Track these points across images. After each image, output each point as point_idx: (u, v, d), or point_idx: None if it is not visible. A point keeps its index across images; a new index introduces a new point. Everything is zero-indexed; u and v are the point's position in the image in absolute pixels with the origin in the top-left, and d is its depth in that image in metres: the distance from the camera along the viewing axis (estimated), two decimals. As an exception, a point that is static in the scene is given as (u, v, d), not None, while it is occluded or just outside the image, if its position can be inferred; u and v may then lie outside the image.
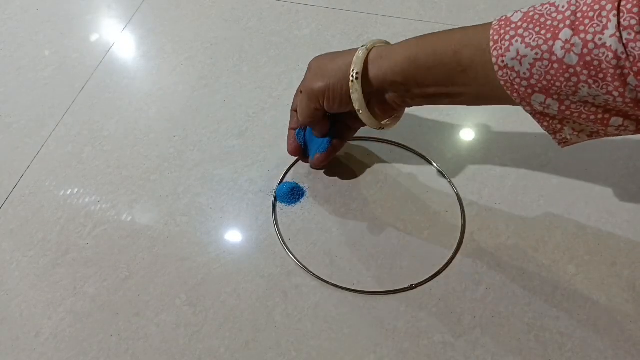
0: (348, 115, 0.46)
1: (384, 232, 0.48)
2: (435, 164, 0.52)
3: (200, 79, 0.61)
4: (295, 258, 0.46)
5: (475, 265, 0.46)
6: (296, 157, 0.53)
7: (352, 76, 0.41)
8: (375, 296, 0.44)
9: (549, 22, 0.32)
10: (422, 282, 0.45)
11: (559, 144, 0.38)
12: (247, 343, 0.42)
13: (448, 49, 0.37)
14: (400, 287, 0.45)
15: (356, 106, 0.42)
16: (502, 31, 0.34)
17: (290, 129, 0.51)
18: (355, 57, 0.41)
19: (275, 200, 0.50)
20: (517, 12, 0.35)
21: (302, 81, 0.46)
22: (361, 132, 0.56)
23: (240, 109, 0.58)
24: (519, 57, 0.33)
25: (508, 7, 0.68)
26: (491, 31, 0.35)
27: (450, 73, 0.37)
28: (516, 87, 0.34)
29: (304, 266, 0.46)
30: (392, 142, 0.54)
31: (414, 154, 0.53)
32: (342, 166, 0.53)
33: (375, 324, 0.43)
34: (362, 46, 0.42)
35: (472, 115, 0.56)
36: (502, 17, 0.36)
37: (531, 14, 0.34)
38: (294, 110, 0.49)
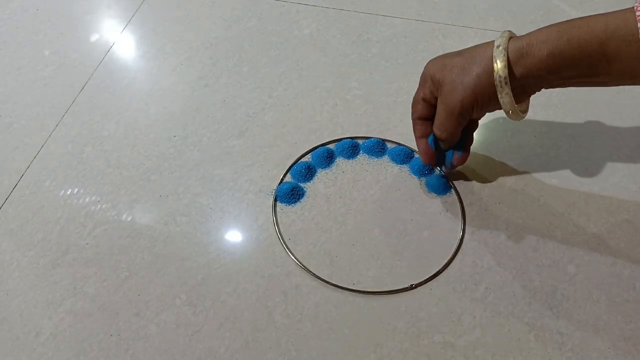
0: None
1: (384, 232, 0.48)
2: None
3: (200, 79, 0.61)
4: (295, 258, 0.46)
5: (475, 265, 0.46)
6: (294, 161, 0.53)
7: (500, 81, 0.40)
8: (375, 296, 0.44)
9: None
10: (422, 282, 0.45)
11: None
12: (247, 343, 0.42)
13: (593, 41, 0.37)
14: (400, 287, 0.45)
15: (507, 108, 0.42)
16: None
17: (418, 137, 0.48)
18: (494, 59, 0.40)
19: (275, 200, 0.50)
20: None
21: (419, 89, 0.46)
22: (360, 132, 0.56)
23: (240, 109, 0.58)
24: None
25: (508, 7, 0.68)
26: (639, 24, 0.35)
27: (595, 64, 0.38)
28: None
29: (304, 266, 0.46)
30: (392, 141, 0.54)
31: (414, 153, 0.53)
32: (342, 166, 0.53)
33: (375, 324, 0.43)
34: (497, 47, 0.40)
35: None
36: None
37: None
38: (416, 119, 0.48)
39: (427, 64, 0.45)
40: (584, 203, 0.50)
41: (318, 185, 0.51)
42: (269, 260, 0.46)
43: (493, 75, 0.40)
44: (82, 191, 0.51)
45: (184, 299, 0.44)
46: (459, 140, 0.47)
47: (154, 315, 0.43)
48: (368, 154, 0.53)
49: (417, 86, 0.47)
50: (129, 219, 0.49)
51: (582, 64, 0.38)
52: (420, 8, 0.69)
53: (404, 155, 0.53)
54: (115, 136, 0.56)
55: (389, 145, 0.54)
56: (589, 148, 0.54)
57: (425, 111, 0.46)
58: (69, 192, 0.51)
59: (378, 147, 0.53)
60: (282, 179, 0.52)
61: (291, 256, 0.46)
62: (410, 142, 0.54)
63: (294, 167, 0.52)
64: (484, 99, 0.42)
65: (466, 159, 0.48)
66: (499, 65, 0.40)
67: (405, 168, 0.52)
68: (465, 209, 0.49)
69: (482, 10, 0.68)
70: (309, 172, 0.52)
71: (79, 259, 0.47)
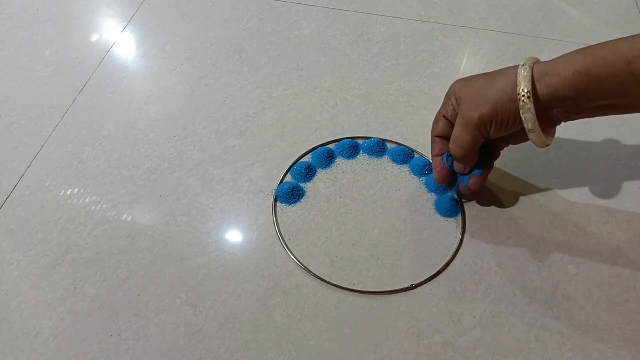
0: (499, 138, 0.44)
1: (384, 232, 0.48)
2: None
3: (200, 79, 0.61)
4: (295, 258, 0.46)
5: (475, 265, 0.46)
6: (294, 161, 0.53)
7: (523, 95, 0.39)
8: (375, 296, 0.44)
9: None
10: (422, 282, 0.45)
11: None
12: (247, 343, 0.42)
13: (620, 60, 0.36)
14: (400, 287, 0.45)
15: (529, 126, 0.40)
16: None
17: (434, 156, 0.47)
18: (519, 76, 0.39)
19: (275, 200, 0.50)
20: None
21: (442, 106, 0.45)
22: (360, 132, 0.56)
23: (240, 109, 0.58)
24: None
25: (508, 7, 0.68)
26: None
27: (623, 84, 0.37)
28: None
29: (304, 266, 0.46)
30: (392, 141, 0.54)
31: (414, 153, 0.53)
32: (342, 166, 0.53)
33: (375, 324, 0.43)
34: (522, 65, 0.40)
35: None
36: None
37: None
38: (435, 136, 0.47)
39: (453, 82, 0.45)
40: (584, 203, 0.50)
41: (318, 185, 0.51)
42: (269, 260, 0.46)
43: (515, 90, 0.39)
44: (82, 191, 0.51)
45: (184, 299, 0.44)
46: (477, 162, 0.45)
47: (154, 315, 0.43)
48: (368, 154, 0.53)
49: (441, 103, 0.46)
50: (129, 219, 0.49)
51: (610, 83, 0.37)
52: (420, 8, 0.69)
53: (404, 155, 0.53)
54: (115, 136, 0.56)
55: (389, 145, 0.54)
56: (589, 148, 0.54)
57: (445, 129, 0.46)
58: (69, 192, 0.51)
59: (378, 147, 0.53)
60: (282, 179, 0.52)
61: (291, 256, 0.46)
62: (411, 142, 0.54)
63: (294, 167, 0.52)
64: (504, 115, 0.40)
65: (483, 183, 0.46)
66: (523, 80, 0.39)
67: (405, 168, 0.52)
68: (465, 209, 0.49)
69: (482, 10, 0.68)
70: (309, 172, 0.52)
71: (79, 259, 0.47)
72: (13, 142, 0.56)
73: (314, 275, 0.45)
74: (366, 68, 0.62)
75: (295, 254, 0.47)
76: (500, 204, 0.49)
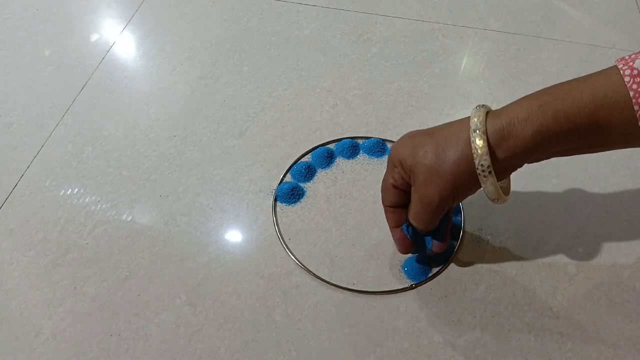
0: None
1: (384, 232, 0.48)
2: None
3: (200, 79, 0.61)
4: (295, 258, 0.46)
5: (475, 265, 0.46)
6: (294, 161, 0.53)
7: (483, 171, 0.35)
8: (375, 296, 0.44)
9: None
10: (422, 282, 0.45)
11: None
12: (247, 343, 0.42)
13: (582, 113, 0.34)
14: (400, 287, 0.45)
15: (492, 197, 0.37)
16: None
17: (392, 227, 0.43)
18: (474, 148, 0.35)
19: (275, 200, 0.50)
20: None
21: (387, 173, 0.42)
22: (360, 132, 0.56)
23: (240, 109, 0.58)
24: None
25: (508, 7, 0.68)
26: (631, 93, 0.32)
27: (587, 136, 0.35)
28: None
29: (304, 266, 0.46)
30: (392, 141, 0.54)
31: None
32: (342, 166, 0.53)
33: (375, 324, 0.43)
34: (475, 131, 0.35)
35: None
36: (627, 66, 0.33)
37: None
38: (387, 206, 0.43)
39: (394, 145, 0.41)
40: (584, 203, 0.50)
41: (318, 185, 0.51)
42: (269, 260, 0.46)
43: (472, 162, 0.36)
44: (82, 191, 0.51)
45: (184, 299, 0.44)
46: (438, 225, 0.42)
47: (154, 315, 0.43)
48: (368, 154, 0.53)
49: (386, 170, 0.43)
50: (129, 219, 0.49)
51: (573, 138, 0.35)
52: (420, 8, 0.69)
53: (404, 155, 0.53)
54: (115, 136, 0.56)
55: (389, 145, 0.54)
56: (589, 148, 0.54)
57: (398, 198, 0.42)
58: (69, 192, 0.51)
59: (378, 147, 0.53)
60: (282, 179, 0.52)
61: (291, 256, 0.46)
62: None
63: (294, 167, 0.52)
64: (464, 188, 0.37)
65: (447, 245, 0.44)
66: (479, 152, 0.35)
67: (405, 168, 0.52)
68: (465, 209, 0.49)
69: (482, 10, 0.68)
70: (309, 172, 0.52)
71: (79, 259, 0.47)
72: (13, 142, 0.56)
73: (314, 275, 0.45)
74: (366, 68, 0.62)
75: (295, 254, 0.47)
76: (500, 204, 0.49)
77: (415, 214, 0.40)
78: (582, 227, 0.48)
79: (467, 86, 0.60)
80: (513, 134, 0.35)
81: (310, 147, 0.54)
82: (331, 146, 0.54)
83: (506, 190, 0.42)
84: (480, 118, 0.36)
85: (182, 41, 0.65)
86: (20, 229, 0.49)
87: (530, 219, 0.49)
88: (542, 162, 0.52)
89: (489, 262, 0.46)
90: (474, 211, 0.49)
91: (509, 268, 0.46)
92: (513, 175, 0.52)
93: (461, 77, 0.61)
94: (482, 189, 0.37)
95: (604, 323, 0.43)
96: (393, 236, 0.44)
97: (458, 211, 0.49)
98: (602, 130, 0.34)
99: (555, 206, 0.49)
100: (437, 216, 0.40)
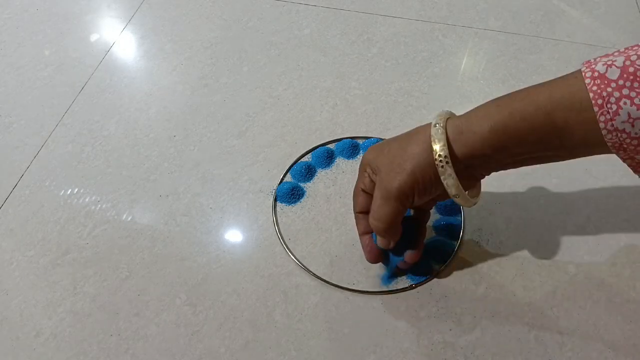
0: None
1: (384, 232, 0.48)
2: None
3: (200, 79, 0.61)
4: (295, 258, 0.46)
5: (475, 265, 0.46)
6: (294, 161, 0.53)
7: (441, 161, 0.36)
8: (375, 296, 0.44)
9: None
10: (422, 282, 0.45)
11: None
12: (247, 343, 0.42)
13: (539, 112, 0.34)
14: (400, 287, 0.45)
15: (452, 191, 0.37)
16: (604, 93, 0.31)
17: (361, 234, 0.43)
18: (433, 138, 0.36)
19: (275, 200, 0.50)
20: (606, 64, 0.32)
21: (358, 179, 0.42)
22: (360, 131, 0.56)
23: (240, 109, 0.58)
24: (630, 120, 0.31)
25: (508, 7, 0.68)
26: (591, 94, 0.32)
27: (544, 137, 0.35)
28: (624, 146, 0.33)
29: (304, 266, 0.46)
30: (392, 142, 0.54)
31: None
32: (342, 166, 0.53)
33: (375, 324, 0.43)
34: (434, 125, 0.37)
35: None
36: (589, 69, 0.33)
37: (631, 69, 0.31)
38: (358, 212, 0.43)
39: (364, 153, 0.42)
40: (584, 203, 0.50)
41: (318, 185, 0.51)
42: (269, 260, 0.46)
43: (432, 154, 0.36)
44: (82, 191, 0.51)
45: (184, 299, 0.44)
46: (409, 235, 0.42)
47: (154, 315, 0.43)
48: (368, 154, 0.53)
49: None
50: (129, 219, 0.49)
51: (531, 139, 0.35)
52: (420, 8, 0.69)
53: (404, 155, 0.53)
54: (115, 136, 0.56)
55: (389, 145, 0.54)
56: (589, 148, 0.54)
57: (367, 203, 0.41)
58: (69, 192, 0.51)
59: (378, 147, 0.53)
60: (282, 179, 0.52)
61: (291, 256, 0.46)
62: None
63: (294, 167, 0.52)
64: (425, 181, 0.37)
65: (419, 257, 0.43)
66: (437, 143, 0.36)
67: (405, 168, 0.52)
68: (465, 209, 0.49)
69: (482, 10, 0.68)
70: (309, 172, 0.52)
71: (79, 258, 0.47)
72: (13, 142, 0.56)
73: (314, 275, 0.45)
74: (366, 68, 0.62)
75: (295, 254, 0.47)
76: (500, 204, 0.49)
77: (375, 211, 0.39)
78: (582, 227, 0.48)
79: (467, 86, 0.60)
80: (470, 129, 0.36)
81: (310, 147, 0.54)
82: (331, 146, 0.54)
83: (474, 193, 0.42)
84: (442, 117, 0.38)
85: (182, 41, 0.65)
86: (20, 229, 0.49)
87: (530, 219, 0.49)
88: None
89: (489, 262, 0.46)
90: (474, 211, 0.49)
91: (509, 268, 0.46)
92: (513, 175, 0.52)
93: (461, 77, 0.61)
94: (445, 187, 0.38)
95: (604, 323, 0.43)
96: (362, 244, 0.44)
97: (458, 211, 0.49)
98: (561, 132, 0.34)
99: (555, 206, 0.49)
100: (396, 213, 0.39)
